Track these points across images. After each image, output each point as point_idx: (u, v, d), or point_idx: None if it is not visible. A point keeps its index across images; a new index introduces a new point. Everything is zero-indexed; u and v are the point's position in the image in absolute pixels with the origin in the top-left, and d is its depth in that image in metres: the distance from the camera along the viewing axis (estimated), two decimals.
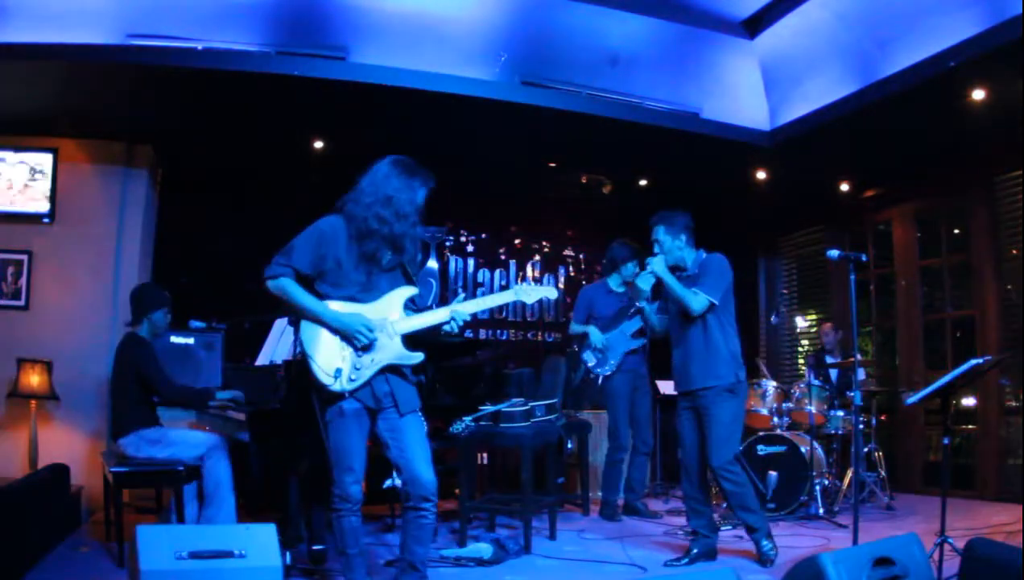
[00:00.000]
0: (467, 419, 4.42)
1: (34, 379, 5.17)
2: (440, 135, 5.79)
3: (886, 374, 6.97)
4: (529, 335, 7.62)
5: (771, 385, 5.80)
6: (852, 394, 3.83)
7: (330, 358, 2.95)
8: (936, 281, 6.62)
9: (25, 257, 5.54)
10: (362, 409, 2.99)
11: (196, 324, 5.15)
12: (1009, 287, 5.82)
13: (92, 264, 5.66)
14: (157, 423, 4.16)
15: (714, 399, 3.93)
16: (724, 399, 3.93)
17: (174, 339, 5.33)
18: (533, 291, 3.25)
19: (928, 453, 6.49)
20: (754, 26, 5.56)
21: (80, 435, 5.46)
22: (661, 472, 6.84)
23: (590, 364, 5.43)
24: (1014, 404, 5.83)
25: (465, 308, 3.09)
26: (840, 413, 5.63)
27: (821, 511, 5.14)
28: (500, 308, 7.52)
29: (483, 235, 7.59)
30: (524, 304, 7.53)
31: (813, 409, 5.54)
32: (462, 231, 7.52)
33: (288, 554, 3.53)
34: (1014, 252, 5.85)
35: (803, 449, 5.26)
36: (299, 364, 3.30)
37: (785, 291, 7.96)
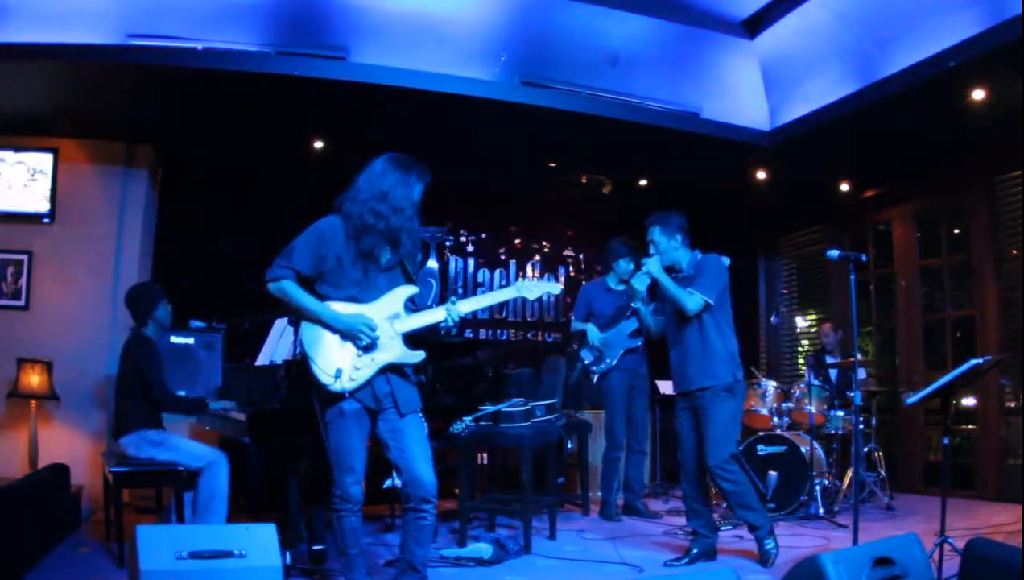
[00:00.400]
0: (467, 419, 4.42)
1: (34, 379, 5.17)
2: (440, 135, 5.79)
3: (886, 374, 6.97)
4: (529, 335, 7.62)
5: (771, 385, 5.80)
6: (852, 394, 3.83)
7: (330, 358, 2.94)
8: (936, 281, 6.62)
9: (25, 257, 5.54)
10: (362, 409, 2.99)
11: (196, 324, 5.15)
12: None
13: (92, 264, 5.66)
14: (160, 425, 4.15)
15: (712, 399, 3.93)
16: (722, 399, 3.93)
17: (174, 339, 5.33)
18: (536, 287, 3.24)
19: (928, 453, 6.49)
20: (754, 26, 5.56)
21: (80, 435, 5.47)
22: (661, 472, 6.84)
23: (587, 361, 5.44)
24: (1014, 404, 5.83)
25: (464, 305, 3.09)
26: (840, 413, 5.63)
27: (821, 511, 5.14)
28: (500, 308, 7.53)
29: (483, 235, 7.59)
30: (525, 304, 7.55)
31: (813, 409, 5.54)
32: (462, 231, 7.51)
33: (288, 554, 3.53)
34: (1014, 252, 5.85)
35: (803, 449, 5.26)
36: (299, 364, 3.30)
37: (785, 291, 7.96)
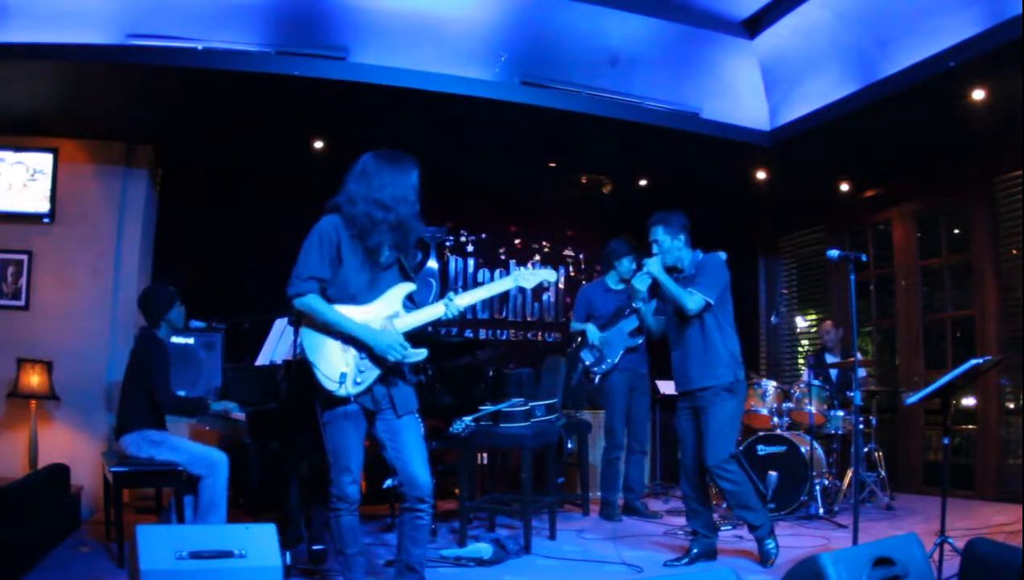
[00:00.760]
0: (467, 419, 4.41)
1: (34, 379, 5.17)
2: (440, 135, 5.79)
3: (886, 374, 6.97)
4: (529, 335, 7.63)
5: (771, 385, 5.80)
6: (852, 394, 3.83)
7: (333, 363, 2.93)
8: (936, 281, 6.62)
9: (25, 257, 5.54)
10: (360, 410, 2.98)
11: (196, 324, 5.16)
12: None
13: (92, 264, 5.66)
14: (162, 426, 4.15)
15: (712, 399, 3.93)
16: (722, 399, 3.93)
17: (174, 339, 5.32)
18: (532, 276, 3.24)
19: (928, 453, 6.48)
20: (754, 26, 5.56)
21: (80, 435, 5.46)
22: (661, 472, 6.84)
23: (588, 362, 5.44)
24: (1014, 404, 5.83)
25: (462, 299, 3.08)
26: (840, 413, 5.62)
27: (821, 511, 5.14)
28: (500, 308, 7.53)
29: (483, 235, 7.59)
30: (525, 303, 7.55)
31: (813, 409, 5.54)
32: (462, 231, 7.51)
33: (288, 554, 3.53)
34: (1014, 252, 5.85)
35: (803, 449, 5.26)
36: (299, 364, 3.29)
37: (785, 291, 7.96)
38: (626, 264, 5.42)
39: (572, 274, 7.86)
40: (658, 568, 3.92)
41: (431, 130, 5.68)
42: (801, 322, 7.69)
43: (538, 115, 5.35)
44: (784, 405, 5.73)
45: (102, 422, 5.48)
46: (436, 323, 3.13)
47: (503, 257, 7.65)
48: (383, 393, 2.99)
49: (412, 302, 3.14)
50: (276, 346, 4.54)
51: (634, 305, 4.26)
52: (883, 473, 5.70)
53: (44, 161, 5.59)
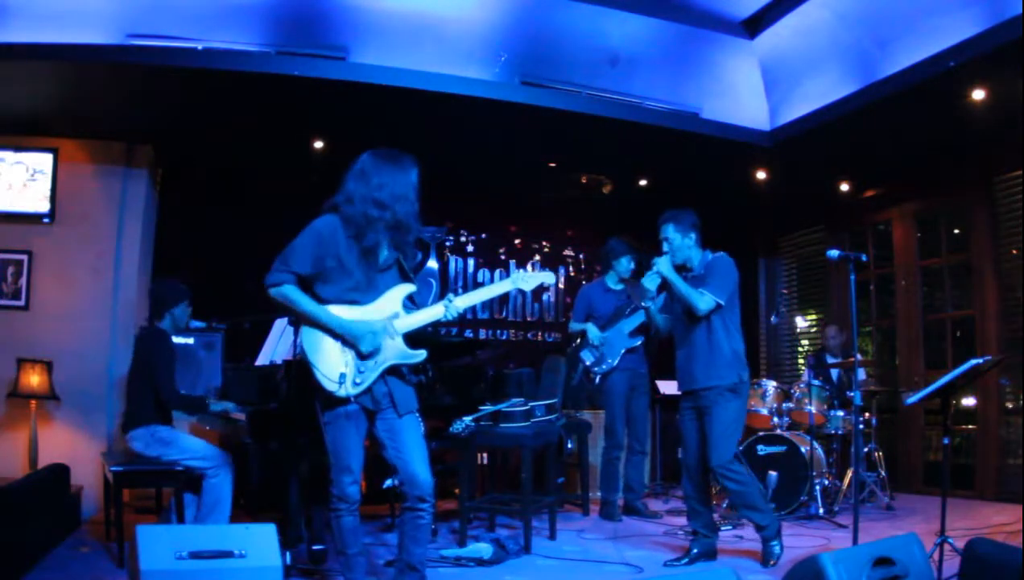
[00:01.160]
0: (467, 419, 4.41)
1: (34, 379, 5.17)
2: (440, 135, 5.79)
3: (886, 374, 6.97)
4: (529, 335, 7.62)
5: (771, 385, 5.80)
6: (852, 394, 3.83)
7: (332, 363, 2.93)
8: (936, 281, 6.62)
9: (25, 257, 5.54)
10: (360, 410, 2.98)
11: (196, 324, 5.15)
12: None
13: (92, 264, 5.66)
14: (170, 422, 4.15)
15: (716, 399, 3.93)
16: (726, 399, 3.93)
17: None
18: (531, 278, 3.25)
19: (928, 453, 6.49)
20: (754, 26, 5.56)
21: (80, 435, 5.46)
22: (661, 472, 6.84)
23: (588, 362, 5.44)
24: (1013, 404, 5.83)
25: (462, 300, 3.09)
26: (840, 413, 5.63)
27: (821, 511, 5.14)
28: (500, 308, 7.52)
29: (483, 235, 7.59)
30: (525, 304, 7.55)
31: (813, 409, 5.54)
32: (462, 231, 7.51)
33: (288, 554, 3.53)
34: (1014, 252, 5.85)
35: (803, 449, 5.26)
36: (299, 364, 3.29)
37: (785, 291, 7.96)
38: (624, 263, 5.42)
39: (572, 274, 7.85)
40: (658, 568, 3.92)
41: (431, 130, 5.68)
42: (801, 322, 7.69)
43: (538, 115, 5.35)
44: (784, 405, 5.73)
45: (102, 422, 5.48)
46: (436, 323, 3.13)
47: (503, 257, 7.65)
48: (383, 393, 2.99)
49: (412, 303, 3.14)
50: (276, 346, 4.54)
51: (643, 304, 4.25)
52: (883, 473, 5.70)
53: (44, 161, 5.59)
